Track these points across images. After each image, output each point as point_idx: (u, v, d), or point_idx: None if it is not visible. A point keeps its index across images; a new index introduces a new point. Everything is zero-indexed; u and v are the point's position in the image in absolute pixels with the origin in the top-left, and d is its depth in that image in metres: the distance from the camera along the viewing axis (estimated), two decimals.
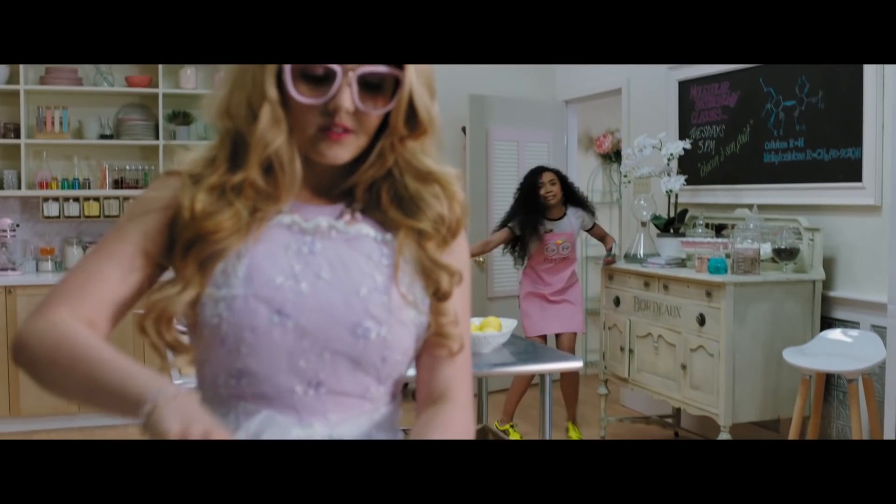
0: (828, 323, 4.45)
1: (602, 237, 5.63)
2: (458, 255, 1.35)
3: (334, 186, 1.31)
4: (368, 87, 1.21)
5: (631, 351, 5.06)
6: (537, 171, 5.52)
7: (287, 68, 1.19)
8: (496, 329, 3.25)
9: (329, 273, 1.24)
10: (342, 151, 1.23)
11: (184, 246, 1.21)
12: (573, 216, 5.49)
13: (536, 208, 5.43)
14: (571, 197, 5.55)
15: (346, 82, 1.19)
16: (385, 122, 1.26)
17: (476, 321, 3.38)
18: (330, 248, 1.25)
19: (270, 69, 1.20)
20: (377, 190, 1.29)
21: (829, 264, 4.49)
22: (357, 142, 1.24)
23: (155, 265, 1.24)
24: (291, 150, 1.23)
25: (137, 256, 1.23)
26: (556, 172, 5.56)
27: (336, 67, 1.18)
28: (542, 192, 5.40)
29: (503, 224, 5.51)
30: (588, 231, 5.59)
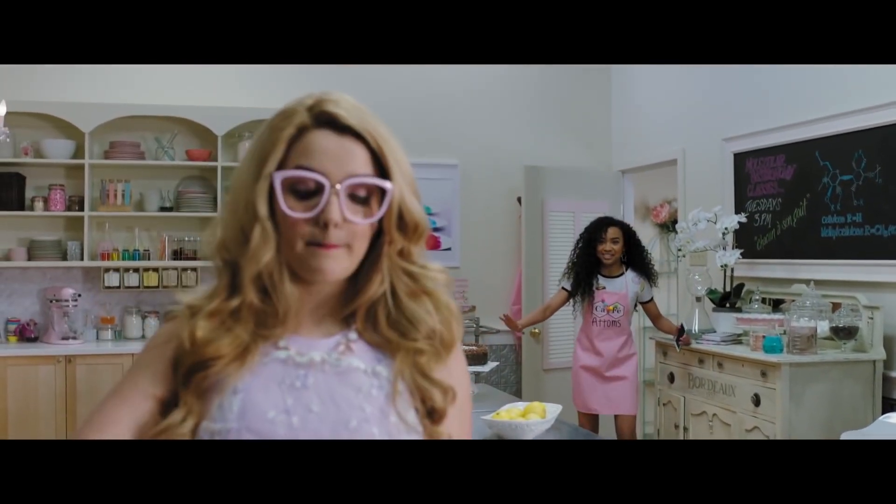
0: (889, 404, 4.31)
1: (656, 317, 5.18)
2: (454, 370, 1.34)
3: (334, 313, 1.32)
4: (356, 199, 1.24)
5: (685, 429, 4.95)
6: (601, 225, 5.10)
7: (277, 183, 1.21)
8: (540, 415, 3.20)
9: (319, 406, 1.24)
10: (334, 265, 1.23)
11: (185, 374, 1.23)
12: (632, 280, 5.08)
13: (591, 264, 5.07)
14: (635, 259, 5.12)
15: (334, 193, 1.21)
16: (377, 238, 1.27)
17: (520, 406, 3.34)
18: (322, 382, 1.26)
19: (261, 189, 1.22)
20: (374, 312, 1.30)
21: (889, 343, 4.36)
22: (349, 257, 1.25)
23: (164, 402, 1.26)
24: (281, 268, 1.24)
25: (147, 397, 1.25)
26: (623, 228, 5.12)
27: (324, 181, 1.21)
28: (601, 247, 5.03)
29: (564, 275, 5.22)
30: (643, 304, 5.16)
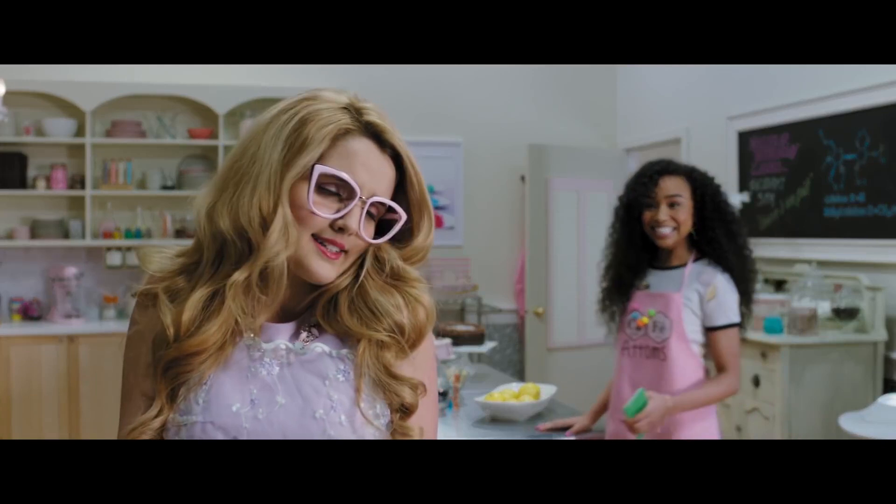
0: (891, 386, 4.28)
1: (721, 365, 2.80)
2: (421, 363, 1.33)
3: (300, 301, 1.30)
4: (369, 215, 1.24)
5: None
6: (647, 174, 2.87)
7: (315, 175, 1.20)
8: (533, 397, 3.19)
9: (285, 398, 1.23)
10: (331, 271, 1.24)
11: (164, 367, 1.21)
12: (697, 277, 2.83)
13: (636, 249, 2.92)
14: (713, 236, 2.83)
15: (360, 205, 1.22)
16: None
17: (514, 387, 3.33)
18: (287, 372, 1.24)
19: (292, 177, 1.20)
20: (335, 299, 1.28)
21: (891, 325, 4.33)
22: (345, 263, 1.25)
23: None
24: (284, 264, 1.22)
25: (144, 395, 1.24)
26: (691, 177, 2.87)
27: (358, 191, 1.21)
28: (649, 216, 2.84)
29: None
30: (709, 330, 2.82)
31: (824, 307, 4.39)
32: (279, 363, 1.24)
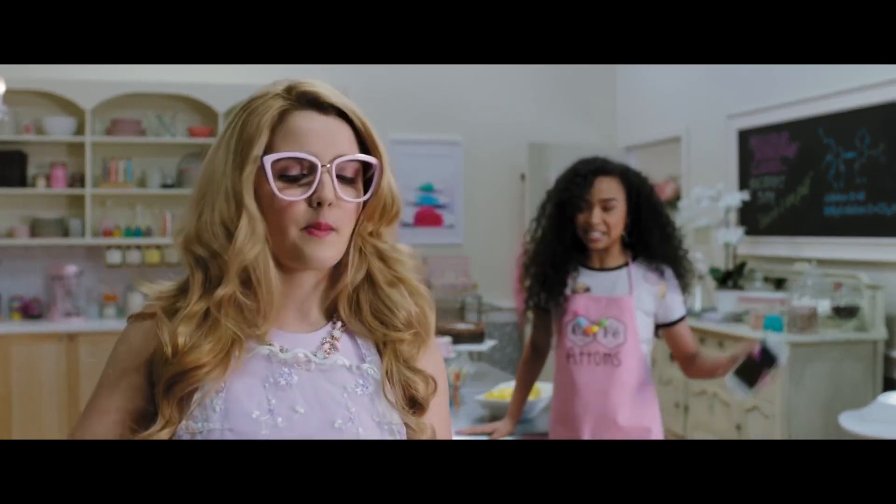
0: (891, 384, 4.29)
1: (687, 356, 2.89)
2: (431, 360, 1.34)
3: (318, 305, 1.31)
4: (343, 179, 1.23)
5: (686, 408, 4.94)
6: (580, 174, 2.78)
7: (268, 167, 1.19)
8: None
9: (304, 406, 1.22)
10: (327, 252, 1.22)
11: (165, 384, 1.20)
12: (642, 277, 2.80)
13: (565, 249, 2.81)
14: (650, 237, 2.79)
15: (326, 172, 1.20)
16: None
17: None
18: (306, 381, 1.24)
19: (248, 177, 1.20)
20: (357, 300, 1.29)
21: (891, 323, 4.33)
22: (339, 241, 1.24)
23: (141, 411, 1.23)
24: (267, 260, 1.22)
25: (122, 413, 1.23)
26: (625, 178, 2.78)
27: (316, 161, 1.20)
28: (583, 219, 2.75)
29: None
30: (664, 327, 2.86)
31: (824, 306, 4.40)
32: (299, 372, 1.24)
